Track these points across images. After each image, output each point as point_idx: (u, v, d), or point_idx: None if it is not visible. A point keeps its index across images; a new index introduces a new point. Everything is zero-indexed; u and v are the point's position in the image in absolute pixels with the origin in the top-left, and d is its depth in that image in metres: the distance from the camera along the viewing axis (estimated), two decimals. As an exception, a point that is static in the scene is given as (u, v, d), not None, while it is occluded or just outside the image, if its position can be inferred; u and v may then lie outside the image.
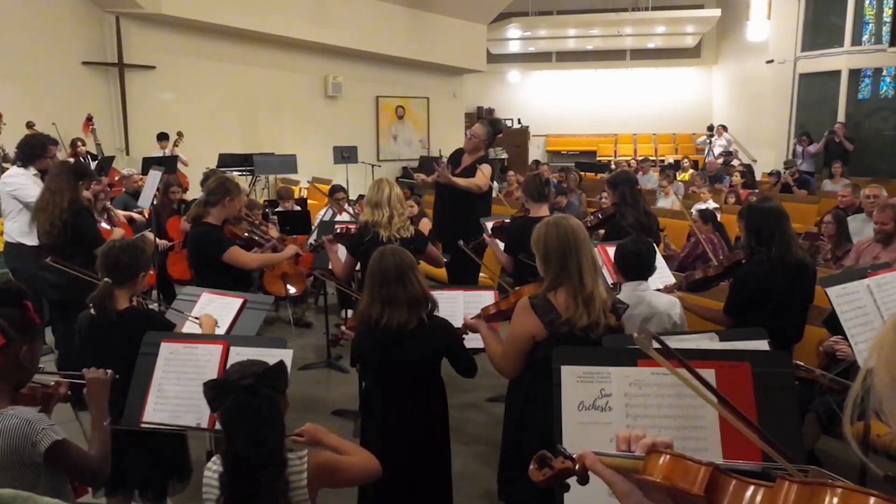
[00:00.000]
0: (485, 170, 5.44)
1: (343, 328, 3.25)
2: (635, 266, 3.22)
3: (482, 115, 17.04)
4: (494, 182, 5.63)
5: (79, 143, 8.87)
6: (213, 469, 1.90)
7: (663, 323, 3.10)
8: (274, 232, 4.89)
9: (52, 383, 2.22)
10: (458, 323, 3.01)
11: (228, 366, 2.45)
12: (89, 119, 9.39)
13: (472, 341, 3.05)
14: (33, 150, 4.93)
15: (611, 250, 3.56)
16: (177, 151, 9.80)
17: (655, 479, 0.90)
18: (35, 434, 1.78)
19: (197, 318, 3.04)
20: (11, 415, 1.80)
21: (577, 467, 1.10)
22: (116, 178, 8.36)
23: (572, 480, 1.12)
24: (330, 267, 4.33)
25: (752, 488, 0.80)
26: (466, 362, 2.85)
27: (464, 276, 5.01)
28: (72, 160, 6.58)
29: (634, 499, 0.99)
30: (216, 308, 3.23)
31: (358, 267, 4.01)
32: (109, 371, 2.17)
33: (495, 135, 5.72)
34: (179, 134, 9.90)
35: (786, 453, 0.88)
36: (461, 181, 5.38)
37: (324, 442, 2.06)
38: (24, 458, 1.78)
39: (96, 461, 1.96)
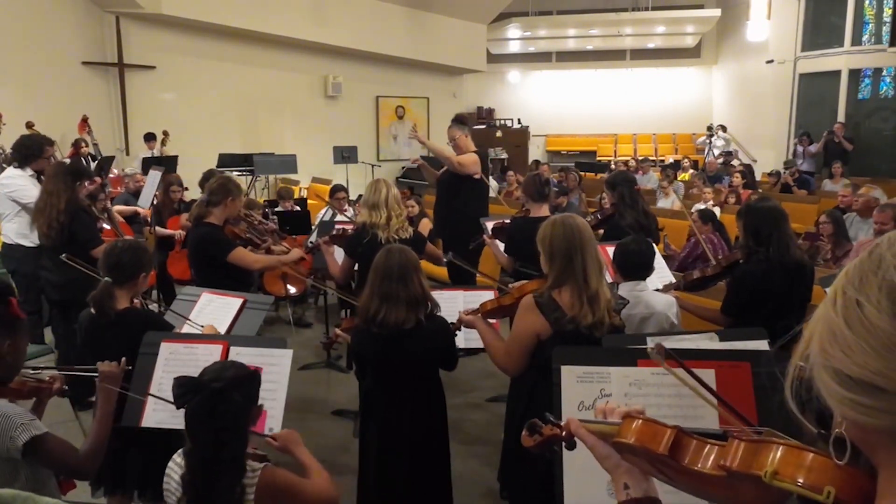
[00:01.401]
0: (470, 156, 5.44)
1: (337, 331, 3.26)
2: (636, 266, 3.22)
3: (482, 115, 17.04)
4: (493, 181, 5.62)
5: (82, 144, 8.87)
6: (176, 462, 1.89)
7: (661, 323, 3.10)
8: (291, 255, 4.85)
9: (48, 378, 2.22)
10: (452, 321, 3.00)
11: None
12: (85, 120, 9.39)
13: (472, 341, 3.05)
14: (29, 150, 4.90)
15: (610, 250, 3.56)
16: (165, 151, 9.80)
17: (628, 440, 0.99)
18: (13, 429, 1.79)
19: (201, 325, 3.03)
20: None
21: (563, 433, 1.21)
22: (110, 177, 8.33)
23: (562, 449, 1.24)
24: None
25: (708, 446, 0.90)
26: (452, 358, 2.86)
27: (464, 276, 5.01)
28: (68, 160, 6.58)
29: (612, 461, 1.09)
30: (216, 308, 3.23)
31: (356, 267, 4.01)
32: (123, 360, 2.16)
33: (466, 125, 5.72)
34: (165, 133, 9.91)
35: (746, 420, 1.01)
36: (435, 146, 5.54)
37: (294, 452, 2.01)
38: (2, 453, 1.79)
39: (82, 457, 1.95)
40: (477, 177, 5.48)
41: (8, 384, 1.97)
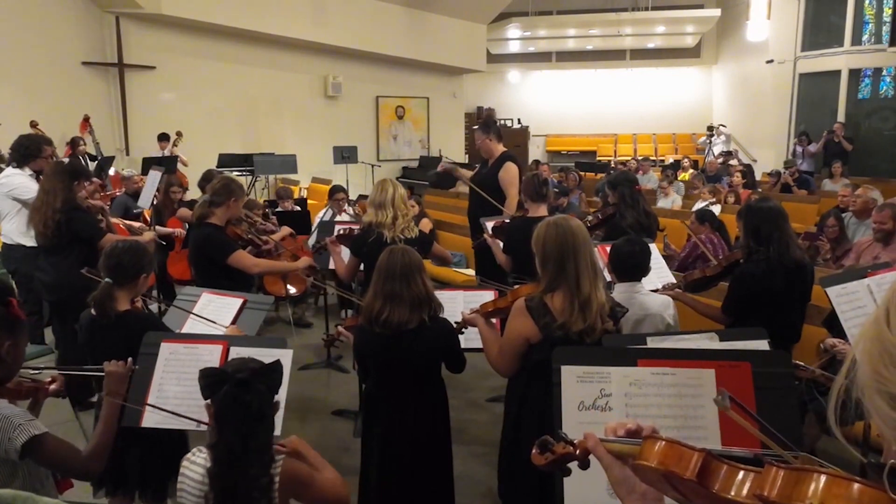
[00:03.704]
0: (508, 175, 5.21)
1: (339, 328, 3.26)
2: (629, 267, 3.22)
3: (482, 115, 17.05)
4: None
5: (81, 143, 8.86)
6: (193, 461, 1.90)
7: (656, 324, 3.09)
8: (278, 234, 4.92)
9: (48, 378, 2.22)
10: (455, 321, 3.01)
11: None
12: (86, 119, 9.39)
13: (472, 341, 3.05)
14: (28, 150, 4.88)
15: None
16: (176, 151, 9.80)
17: (651, 464, 0.93)
18: (11, 429, 1.79)
19: (207, 318, 3.04)
20: None
21: (577, 452, 1.14)
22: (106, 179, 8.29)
23: (574, 466, 1.17)
24: (332, 267, 4.33)
25: (741, 473, 0.84)
26: (459, 360, 2.86)
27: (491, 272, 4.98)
28: (66, 160, 6.56)
29: (627, 486, 1.03)
30: (216, 308, 3.23)
31: (362, 267, 4.01)
32: (129, 360, 2.17)
33: (491, 128, 5.50)
34: (179, 133, 9.90)
35: (782, 440, 0.92)
36: (511, 209, 5.08)
37: (305, 456, 2.05)
38: (0, 454, 1.79)
39: (85, 458, 1.95)
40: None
41: (5, 385, 1.97)
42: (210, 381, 1.80)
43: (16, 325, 1.90)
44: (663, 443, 0.93)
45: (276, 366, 1.89)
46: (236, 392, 1.77)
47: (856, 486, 0.68)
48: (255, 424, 1.78)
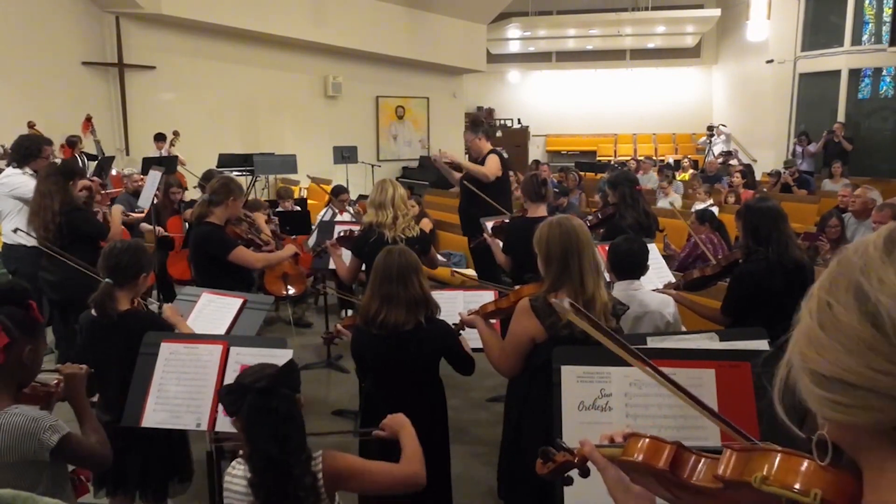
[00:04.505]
0: (490, 160, 5.54)
1: (339, 326, 3.26)
2: (627, 265, 3.23)
3: (481, 116, 17.07)
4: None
5: (78, 142, 8.85)
6: (234, 474, 1.89)
7: (655, 322, 3.10)
8: (267, 231, 4.97)
9: (55, 381, 2.22)
10: (455, 321, 3.00)
11: (228, 366, 2.47)
12: (88, 119, 9.39)
13: (472, 341, 3.05)
14: (28, 151, 4.88)
15: (610, 249, 3.56)
16: (173, 151, 9.80)
17: (634, 458, 1.00)
18: (41, 431, 1.80)
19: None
20: (16, 413, 1.81)
21: (576, 460, 1.19)
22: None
23: (575, 474, 1.22)
24: (332, 267, 4.33)
25: (703, 460, 0.93)
26: (464, 361, 2.85)
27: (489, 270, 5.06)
28: (58, 161, 6.55)
29: (622, 487, 1.10)
30: (216, 308, 3.23)
31: (363, 268, 4.01)
32: (84, 366, 2.16)
33: (480, 127, 5.76)
34: (175, 133, 9.91)
35: (741, 432, 1.01)
36: (469, 165, 5.59)
37: (401, 438, 2.06)
38: (29, 456, 1.80)
39: (98, 447, 1.98)
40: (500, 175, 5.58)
41: (24, 389, 1.96)
42: (232, 396, 1.80)
43: (36, 329, 1.90)
44: (646, 440, 1.01)
45: (292, 365, 1.89)
46: (261, 401, 1.76)
47: (796, 459, 0.76)
48: (286, 427, 1.78)
